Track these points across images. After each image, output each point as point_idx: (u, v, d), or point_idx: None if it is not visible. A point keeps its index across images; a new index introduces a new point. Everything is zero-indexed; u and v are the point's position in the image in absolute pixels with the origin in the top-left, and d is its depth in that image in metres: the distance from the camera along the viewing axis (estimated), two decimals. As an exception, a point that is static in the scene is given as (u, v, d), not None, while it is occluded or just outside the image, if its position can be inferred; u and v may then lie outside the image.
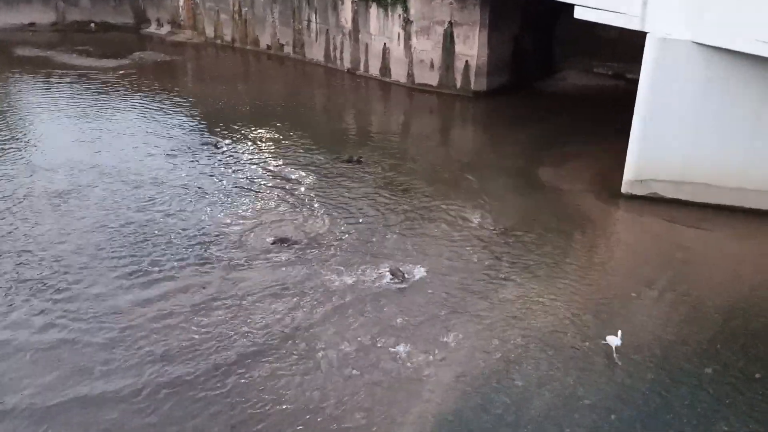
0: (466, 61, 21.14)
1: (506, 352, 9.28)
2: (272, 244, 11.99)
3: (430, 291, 10.70)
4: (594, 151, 16.02)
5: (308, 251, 11.70)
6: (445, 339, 9.55)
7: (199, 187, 14.13)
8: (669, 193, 13.77)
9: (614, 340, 9.12)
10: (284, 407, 8.31)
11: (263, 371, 8.91)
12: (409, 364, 9.07)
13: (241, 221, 12.80)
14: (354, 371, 8.94)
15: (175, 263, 11.33)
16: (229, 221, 12.77)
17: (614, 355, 9.10)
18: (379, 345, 9.46)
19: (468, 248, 11.95)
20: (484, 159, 16.54)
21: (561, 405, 8.32)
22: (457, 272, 11.22)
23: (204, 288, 10.72)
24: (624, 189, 14.11)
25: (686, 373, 8.86)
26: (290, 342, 9.46)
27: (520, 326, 9.79)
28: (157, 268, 11.16)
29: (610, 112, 18.20)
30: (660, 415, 8.15)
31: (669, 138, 13.39)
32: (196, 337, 9.55)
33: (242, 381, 8.72)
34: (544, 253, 11.86)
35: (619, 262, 11.69)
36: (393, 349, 9.34)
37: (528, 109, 19.87)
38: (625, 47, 18.73)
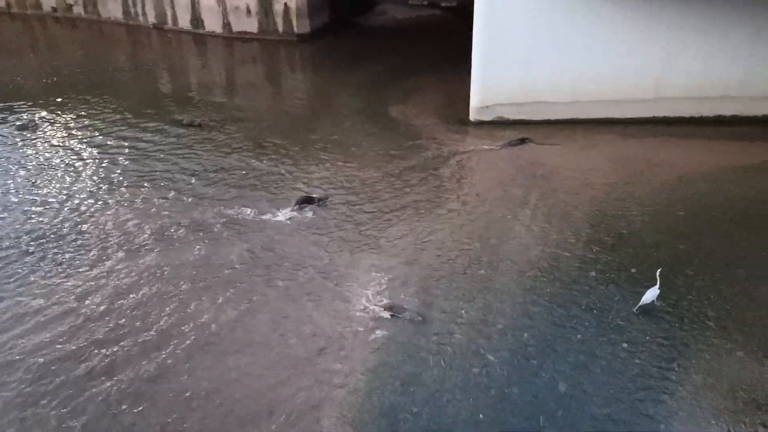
0: (285, 4, 20.24)
1: (409, 295, 9.26)
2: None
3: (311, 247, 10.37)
4: (434, 83, 16.28)
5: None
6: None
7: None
8: (513, 114, 14.43)
9: (651, 294, 8.71)
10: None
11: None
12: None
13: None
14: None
15: None
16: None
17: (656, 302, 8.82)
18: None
19: (340, 197, 11.68)
20: (328, 104, 16.09)
21: (476, 333, 8.45)
22: (344, 220, 10.96)
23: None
24: (472, 116, 14.56)
25: (575, 280, 9.40)
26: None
27: (418, 265, 9.78)
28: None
29: (437, 42, 18.65)
30: (564, 322, 8.56)
31: (508, 62, 13.88)
32: None
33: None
34: (417, 191, 11.84)
35: (488, 188, 11.99)
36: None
37: (358, 47, 19.61)
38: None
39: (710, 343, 8.15)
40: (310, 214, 11.07)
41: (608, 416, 7.14)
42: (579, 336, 8.30)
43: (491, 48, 13.75)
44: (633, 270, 9.57)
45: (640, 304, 8.67)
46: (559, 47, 13.64)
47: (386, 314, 8.66)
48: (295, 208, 11.22)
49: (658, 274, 8.69)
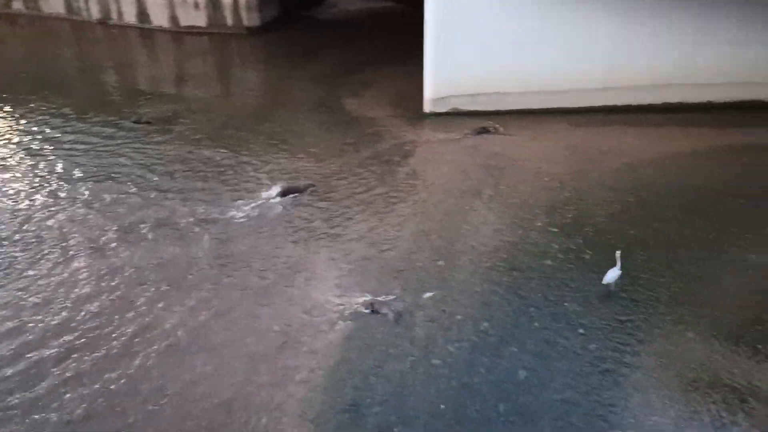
0: (234, -4, 19.90)
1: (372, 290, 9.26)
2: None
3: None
4: (388, 76, 16.26)
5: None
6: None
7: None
8: (467, 106, 14.53)
9: (613, 274, 8.90)
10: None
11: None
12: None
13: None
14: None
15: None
16: None
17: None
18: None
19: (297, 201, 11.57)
20: (282, 98, 15.90)
21: (437, 324, 8.51)
22: (303, 213, 10.86)
23: None
24: (426, 108, 14.59)
25: (532, 269, 9.52)
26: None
27: (377, 260, 9.78)
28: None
29: (391, 34, 18.62)
30: (523, 310, 8.69)
31: (460, 53, 13.94)
32: None
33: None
34: (374, 183, 11.80)
35: (445, 180, 12.03)
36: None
37: (310, 40, 19.43)
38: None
39: (662, 325, 8.37)
40: (272, 209, 10.97)
41: (566, 400, 7.28)
42: (537, 324, 8.42)
43: (443, 40, 13.79)
44: (587, 256, 9.76)
45: (604, 282, 8.88)
46: (511, 38, 13.76)
47: (355, 308, 8.65)
48: (276, 198, 11.24)
49: (617, 255, 8.88)
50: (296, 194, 11.32)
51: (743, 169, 12.27)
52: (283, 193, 11.31)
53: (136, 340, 8.14)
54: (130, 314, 8.56)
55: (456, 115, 14.39)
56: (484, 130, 13.82)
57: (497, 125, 14.03)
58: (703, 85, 14.52)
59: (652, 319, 8.47)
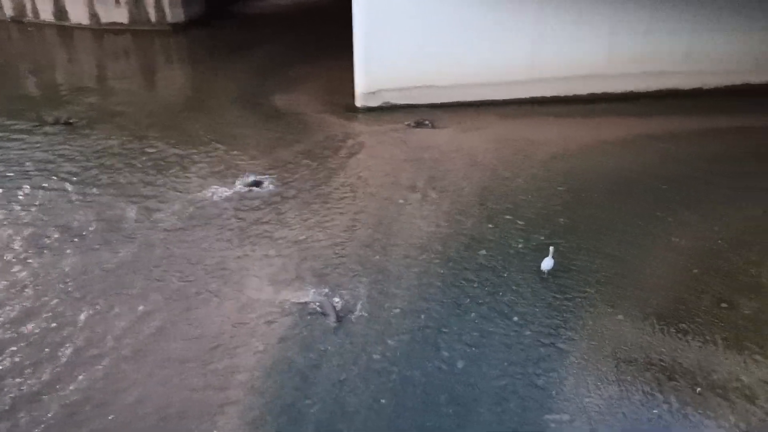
0: (156, -9, 19.30)
1: (309, 286, 9.16)
2: None
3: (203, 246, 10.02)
4: (319, 71, 16.12)
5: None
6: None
7: None
8: (399, 99, 14.57)
9: (548, 263, 9.13)
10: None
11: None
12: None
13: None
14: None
15: None
16: None
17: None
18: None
19: (229, 198, 11.33)
20: (209, 96, 15.51)
21: (374, 319, 8.49)
22: (235, 211, 10.62)
23: None
24: (358, 103, 14.55)
25: (466, 259, 9.64)
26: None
27: (312, 256, 9.69)
28: None
29: (322, 28, 18.45)
30: (459, 301, 8.76)
31: (391, 47, 13.95)
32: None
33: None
34: (307, 179, 11.67)
35: (378, 174, 12.01)
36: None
37: (237, 36, 19.05)
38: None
39: (593, 308, 8.62)
40: (203, 207, 10.69)
41: (504, 387, 7.39)
42: (473, 313, 8.53)
43: (372, 34, 13.77)
44: (520, 245, 9.95)
45: (542, 269, 9.16)
46: (439, 31, 13.87)
47: (291, 306, 8.53)
48: (244, 189, 11.34)
49: (551, 249, 9.12)
50: (257, 187, 11.40)
51: (663, 155, 12.80)
52: (249, 186, 11.40)
53: (60, 352, 7.80)
54: (52, 325, 8.20)
55: (388, 109, 14.41)
56: (417, 124, 13.90)
57: (429, 118, 14.13)
58: (622, 76, 15.06)
59: (584, 303, 8.71)
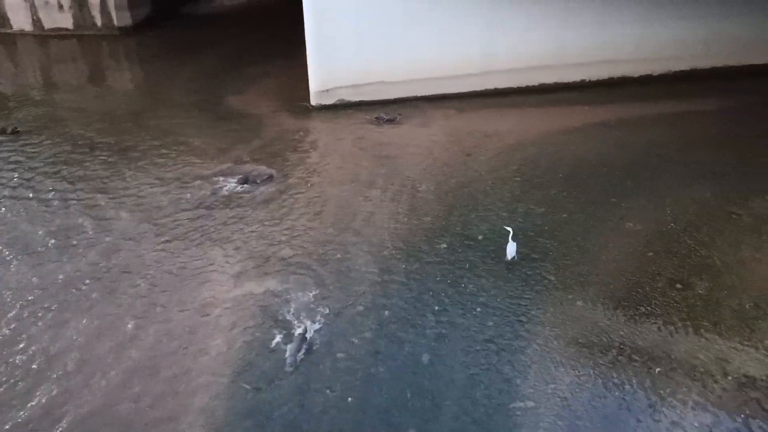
0: (101, -6, 18.85)
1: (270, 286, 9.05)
2: None
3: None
4: (273, 71, 15.96)
5: None
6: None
7: None
8: (353, 96, 14.53)
9: (512, 248, 9.30)
10: None
11: None
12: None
13: None
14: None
15: None
16: None
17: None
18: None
19: (187, 201, 11.13)
20: (160, 99, 15.25)
21: (337, 318, 8.45)
22: (191, 215, 10.43)
23: None
24: (313, 101, 14.46)
25: (427, 253, 9.65)
26: None
27: (273, 255, 9.57)
28: None
29: (274, 28, 18.25)
30: (421, 295, 8.78)
31: (342, 44, 13.93)
32: None
33: None
34: (264, 181, 11.53)
35: (335, 172, 11.95)
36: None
37: (188, 38, 18.73)
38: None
39: (553, 297, 8.73)
40: (160, 209, 10.47)
41: (469, 379, 7.42)
42: (437, 307, 8.54)
43: (323, 32, 13.70)
44: (480, 237, 10.02)
45: (508, 258, 9.30)
46: (389, 26, 13.87)
47: (253, 306, 8.41)
48: (239, 185, 11.42)
49: (510, 236, 9.25)
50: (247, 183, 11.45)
51: (616, 143, 13.05)
52: (242, 183, 11.46)
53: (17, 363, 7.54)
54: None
55: (343, 107, 14.35)
56: (373, 120, 13.87)
57: (386, 115, 14.13)
58: (572, 66, 15.29)
59: (544, 291, 8.81)
